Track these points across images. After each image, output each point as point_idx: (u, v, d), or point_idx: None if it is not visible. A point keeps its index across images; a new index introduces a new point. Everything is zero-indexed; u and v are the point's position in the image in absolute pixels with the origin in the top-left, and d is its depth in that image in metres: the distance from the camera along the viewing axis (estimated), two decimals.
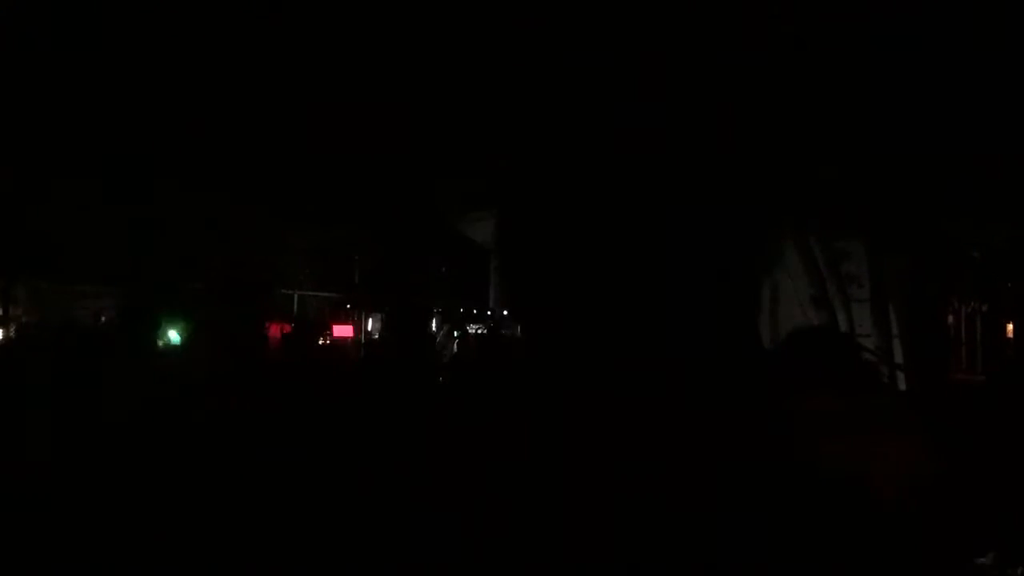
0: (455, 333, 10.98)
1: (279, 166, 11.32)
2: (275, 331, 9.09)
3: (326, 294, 14.63)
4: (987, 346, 9.01)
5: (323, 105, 10.18)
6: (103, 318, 11.04)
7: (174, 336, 9.10)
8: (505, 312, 12.29)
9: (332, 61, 9.30)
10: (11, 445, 3.20)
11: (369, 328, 12.78)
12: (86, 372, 4.28)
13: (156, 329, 3.70)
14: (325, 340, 10.93)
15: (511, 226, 1.20)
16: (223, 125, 10.15)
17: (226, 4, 8.55)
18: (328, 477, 3.17)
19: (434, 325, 17.09)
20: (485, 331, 10.77)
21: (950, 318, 9.56)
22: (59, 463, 3.21)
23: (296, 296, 14.40)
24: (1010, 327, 8.95)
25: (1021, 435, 3.65)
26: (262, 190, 11.69)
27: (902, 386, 9.03)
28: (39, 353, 4.71)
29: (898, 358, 10.20)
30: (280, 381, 4.50)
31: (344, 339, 11.28)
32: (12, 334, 9.92)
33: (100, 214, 10.84)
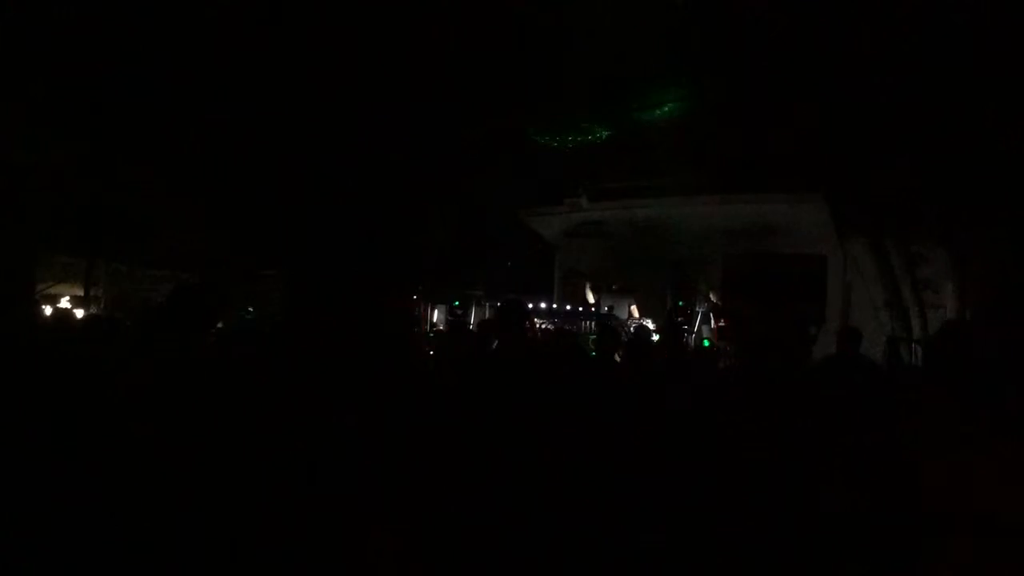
0: None
1: (351, 161, 11.45)
2: None
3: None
4: None
5: (388, 97, 10.30)
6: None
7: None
8: (568, 307, 12.28)
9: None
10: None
11: (435, 319, 12.88)
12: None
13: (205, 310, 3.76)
14: None
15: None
16: (291, 117, 10.33)
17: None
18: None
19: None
20: (551, 327, 10.75)
21: None
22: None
23: None
24: None
25: None
26: (333, 184, 11.85)
27: None
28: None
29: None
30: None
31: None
32: (99, 311, 10.22)
33: (180, 201, 11.10)
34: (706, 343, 9.57)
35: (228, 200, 11.57)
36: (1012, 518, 1.99)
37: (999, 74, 8.16)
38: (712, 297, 11.52)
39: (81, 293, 10.65)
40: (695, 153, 11.38)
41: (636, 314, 11.70)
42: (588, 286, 12.69)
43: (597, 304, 12.13)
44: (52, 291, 10.81)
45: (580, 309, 12.08)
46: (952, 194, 9.35)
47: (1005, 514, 2.00)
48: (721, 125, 10.55)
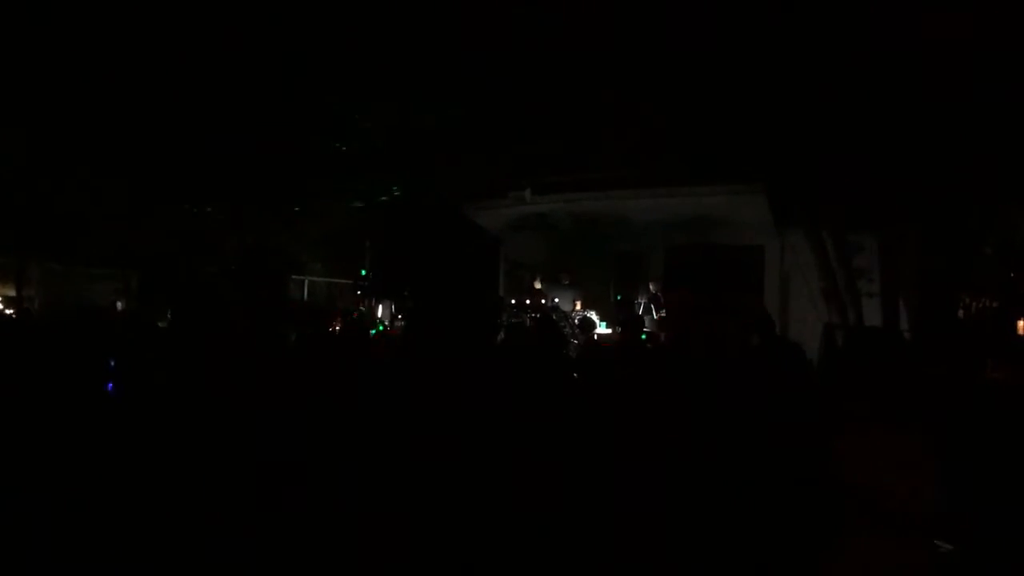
0: None
1: (292, 154, 11.36)
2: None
3: (338, 280, 14.74)
4: (996, 343, 8.96)
5: (333, 91, 10.25)
6: (119, 304, 11.14)
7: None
8: (513, 301, 12.28)
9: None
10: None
11: (379, 315, 12.81)
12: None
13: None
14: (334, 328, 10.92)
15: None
16: (235, 112, 10.21)
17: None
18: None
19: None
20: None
21: (960, 313, 9.52)
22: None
23: (307, 282, 14.47)
24: (1021, 323, 8.89)
25: None
26: (275, 178, 11.75)
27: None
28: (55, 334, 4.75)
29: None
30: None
31: None
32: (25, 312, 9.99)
33: (115, 198, 10.91)
34: (643, 335, 9.66)
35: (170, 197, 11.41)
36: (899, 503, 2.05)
37: (937, 71, 8.34)
38: (652, 288, 11.66)
39: (13, 293, 10.43)
40: (639, 148, 11.49)
41: (579, 306, 11.82)
42: (538, 288, 12.43)
43: (548, 300, 12.05)
44: None
45: (543, 302, 12.02)
46: (883, 184, 9.56)
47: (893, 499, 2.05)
48: (663, 121, 10.65)
